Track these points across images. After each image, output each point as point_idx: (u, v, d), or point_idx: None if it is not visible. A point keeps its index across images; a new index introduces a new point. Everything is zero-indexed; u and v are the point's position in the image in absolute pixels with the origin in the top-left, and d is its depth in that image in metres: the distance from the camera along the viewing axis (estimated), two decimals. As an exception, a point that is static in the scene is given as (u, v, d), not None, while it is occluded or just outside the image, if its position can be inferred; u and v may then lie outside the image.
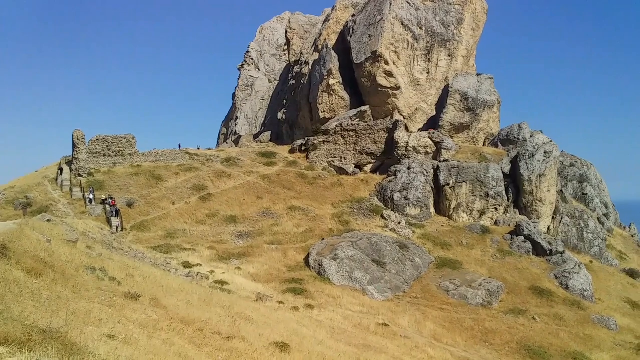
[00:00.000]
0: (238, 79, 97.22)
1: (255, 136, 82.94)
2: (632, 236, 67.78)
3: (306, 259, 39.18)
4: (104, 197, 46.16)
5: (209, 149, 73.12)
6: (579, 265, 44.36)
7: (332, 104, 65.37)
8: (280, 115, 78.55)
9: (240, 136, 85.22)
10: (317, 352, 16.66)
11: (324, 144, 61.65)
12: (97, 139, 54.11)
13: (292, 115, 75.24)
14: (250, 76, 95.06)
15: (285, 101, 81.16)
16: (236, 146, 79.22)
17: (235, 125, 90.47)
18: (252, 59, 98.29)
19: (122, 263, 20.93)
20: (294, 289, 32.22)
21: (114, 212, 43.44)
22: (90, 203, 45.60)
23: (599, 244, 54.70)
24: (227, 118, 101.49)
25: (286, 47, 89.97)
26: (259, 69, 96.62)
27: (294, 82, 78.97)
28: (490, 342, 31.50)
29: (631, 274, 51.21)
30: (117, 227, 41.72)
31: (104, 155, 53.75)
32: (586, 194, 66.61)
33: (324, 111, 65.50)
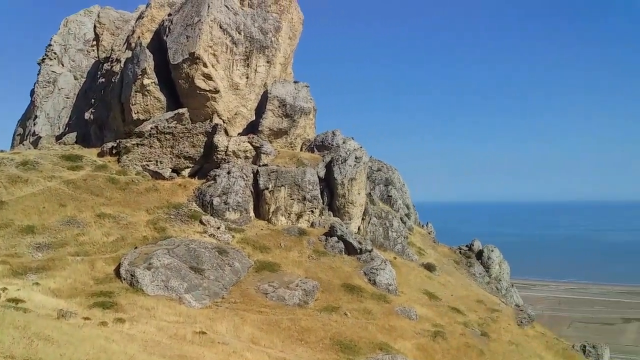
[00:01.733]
0: (38, 75, 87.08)
1: (58, 137, 75.07)
2: (429, 233, 76.05)
3: (117, 270, 36.36)
4: None
5: (2, 151, 64.40)
6: (385, 262, 48.26)
7: (147, 105, 62.00)
8: (87, 115, 72.14)
9: (40, 137, 76.43)
10: (126, 368, 15.41)
11: (137, 146, 58.15)
12: None
13: (101, 116, 69.64)
14: (53, 72, 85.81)
15: (93, 100, 74.80)
16: (35, 148, 70.92)
17: (34, 125, 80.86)
18: (55, 53, 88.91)
19: None
20: (103, 303, 29.63)
21: None
22: None
23: (402, 242, 60.17)
24: (25, 117, 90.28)
25: (95, 43, 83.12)
26: (62, 65, 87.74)
27: (103, 80, 73.22)
28: (306, 340, 32.50)
29: (428, 267, 57.33)
30: None
31: None
32: (391, 196, 72.84)
33: (138, 112, 61.79)
